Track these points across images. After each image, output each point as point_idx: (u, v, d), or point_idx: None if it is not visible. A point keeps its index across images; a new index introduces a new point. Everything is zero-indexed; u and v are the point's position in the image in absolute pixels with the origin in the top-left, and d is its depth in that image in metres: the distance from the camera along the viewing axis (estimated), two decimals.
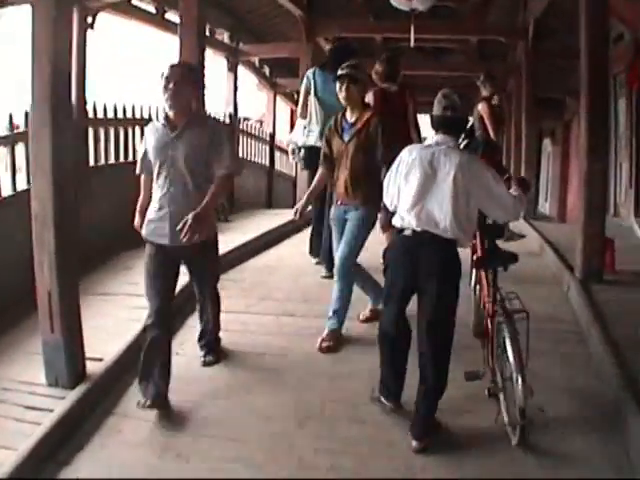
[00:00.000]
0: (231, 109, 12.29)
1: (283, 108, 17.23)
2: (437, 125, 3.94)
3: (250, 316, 5.62)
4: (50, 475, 3.45)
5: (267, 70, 14.58)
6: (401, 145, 4.15)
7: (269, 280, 6.67)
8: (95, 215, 7.00)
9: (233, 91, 12.35)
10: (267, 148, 14.55)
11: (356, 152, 4.95)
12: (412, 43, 8.95)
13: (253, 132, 13.72)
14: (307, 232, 7.50)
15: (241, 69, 13.23)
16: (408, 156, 3.90)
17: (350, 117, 5.07)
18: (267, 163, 14.55)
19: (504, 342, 3.65)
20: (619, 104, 10.00)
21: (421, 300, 3.75)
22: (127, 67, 20.46)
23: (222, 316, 4.86)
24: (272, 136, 14.68)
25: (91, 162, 7.76)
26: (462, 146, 4.68)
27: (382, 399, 4.03)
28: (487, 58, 14.65)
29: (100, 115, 7.93)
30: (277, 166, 14.90)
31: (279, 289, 6.32)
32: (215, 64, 12.19)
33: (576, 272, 6.08)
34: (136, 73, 19.52)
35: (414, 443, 3.64)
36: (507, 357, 3.58)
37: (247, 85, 15.22)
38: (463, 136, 4.39)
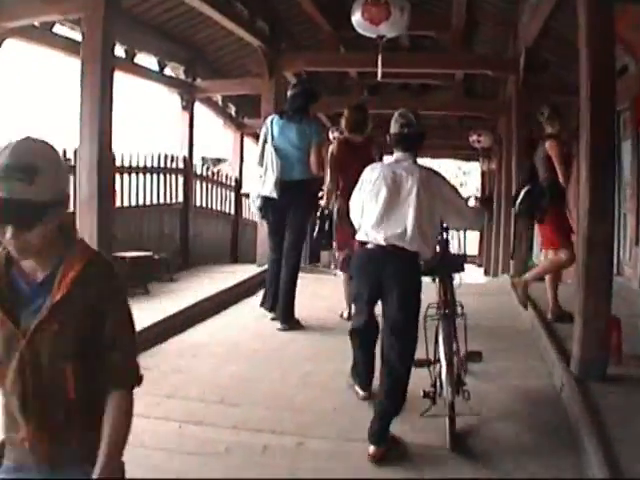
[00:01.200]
0: (186, 152, 11.15)
1: (253, 150, 16.04)
2: (395, 143, 4.22)
3: (147, 422, 4.32)
4: None
5: (232, 108, 13.47)
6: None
7: (188, 367, 5.46)
8: None
9: (188, 132, 11.26)
10: (232, 194, 13.40)
11: None
12: (379, 75, 7.85)
13: (214, 177, 12.59)
14: (258, 296, 7.28)
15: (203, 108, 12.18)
16: (370, 174, 4.21)
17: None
18: (232, 211, 13.41)
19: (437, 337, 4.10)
20: (622, 146, 8.77)
21: (385, 307, 4.03)
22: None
23: None
24: (238, 181, 13.50)
25: None
26: (523, 193, 6.27)
27: (356, 386, 4.66)
28: (475, 95, 13.60)
29: None
30: (247, 215, 13.69)
31: (195, 381, 5.09)
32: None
33: (572, 365, 4.77)
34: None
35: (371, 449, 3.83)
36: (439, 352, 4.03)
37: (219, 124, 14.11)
38: (523, 181, 5.73)
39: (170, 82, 10.80)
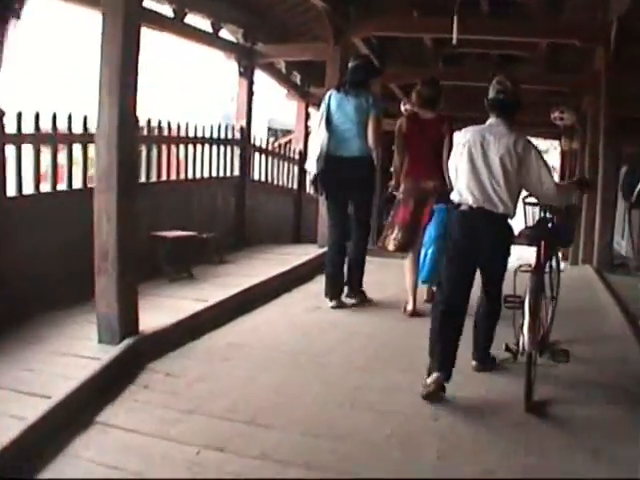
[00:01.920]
0: (243, 122, 10.47)
1: None
2: (490, 108, 4.51)
3: (159, 444, 3.70)
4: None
5: (297, 76, 12.72)
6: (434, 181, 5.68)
7: (217, 374, 4.79)
8: None
9: (246, 101, 10.56)
10: (296, 169, 12.68)
11: None
12: (454, 40, 7.02)
13: (275, 149, 11.87)
14: (315, 282, 7.24)
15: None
16: (463, 137, 4.48)
17: None
18: (295, 186, 12.71)
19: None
20: None
21: (481, 269, 4.48)
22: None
23: (123, 436, 3.75)
24: (302, 154, 12.69)
25: None
26: None
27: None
28: (559, 68, 12.49)
29: None
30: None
31: (222, 393, 4.41)
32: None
33: None
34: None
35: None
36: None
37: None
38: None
39: (226, 46, 10.11)
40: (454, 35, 7.12)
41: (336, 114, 6.40)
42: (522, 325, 4.17)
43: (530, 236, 4.57)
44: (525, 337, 4.11)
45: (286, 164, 12.42)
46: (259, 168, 11.30)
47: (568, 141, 16.69)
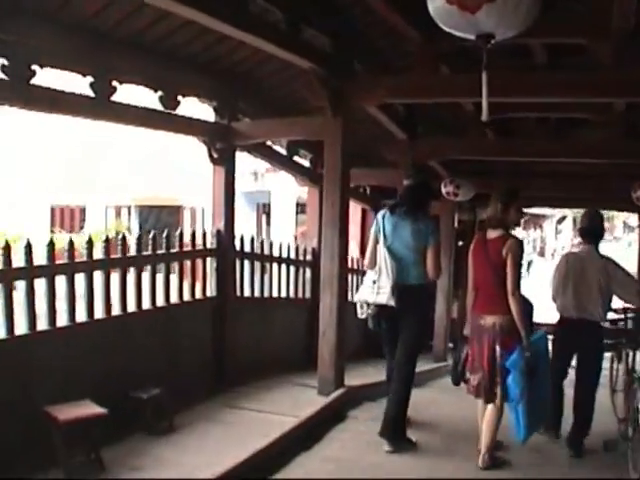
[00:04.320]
0: (221, 224, 8.16)
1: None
2: (581, 235, 6.48)
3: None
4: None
5: (306, 155, 10.39)
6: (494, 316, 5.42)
7: None
8: None
9: (224, 194, 8.19)
10: (308, 271, 10.30)
11: None
12: (484, 115, 4.64)
13: (269, 253, 9.56)
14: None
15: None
16: (565, 263, 6.36)
17: None
18: (308, 295, 10.35)
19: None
20: None
21: (578, 368, 6.24)
22: None
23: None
24: (315, 253, 10.33)
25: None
26: None
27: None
28: None
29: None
30: None
31: None
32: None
33: None
34: None
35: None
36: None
37: None
38: None
39: (193, 126, 7.78)
40: (484, 103, 4.63)
41: (391, 239, 6.08)
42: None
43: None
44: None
45: (293, 269, 10.06)
46: (251, 279, 8.94)
47: None
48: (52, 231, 21.83)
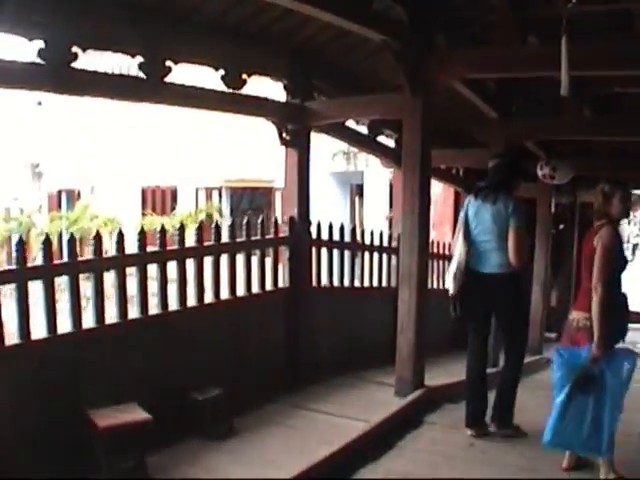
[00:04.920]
0: (294, 212, 7.75)
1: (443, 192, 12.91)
2: None
3: None
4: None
5: (393, 135, 9.85)
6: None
7: None
8: None
9: (298, 180, 7.77)
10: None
11: None
12: (564, 88, 4.13)
13: (350, 240, 9.07)
14: None
15: None
16: None
17: None
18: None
19: None
20: None
21: None
22: None
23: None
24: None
25: None
26: None
27: None
28: None
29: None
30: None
31: None
32: None
33: None
34: None
35: None
36: None
37: None
38: None
39: (263, 106, 7.38)
40: (563, 71, 4.05)
41: (473, 223, 5.91)
42: None
43: None
44: None
45: (377, 256, 9.60)
46: (329, 268, 8.54)
47: None
48: (143, 213, 21.99)
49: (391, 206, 14.01)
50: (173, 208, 21.26)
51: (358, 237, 9.28)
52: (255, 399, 6.61)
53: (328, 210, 16.97)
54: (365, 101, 7.67)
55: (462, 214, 6.06)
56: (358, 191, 17.78)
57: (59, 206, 25.81)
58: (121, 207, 22.24)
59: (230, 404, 6.10)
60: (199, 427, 5.89)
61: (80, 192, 24.88)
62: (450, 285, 6.03)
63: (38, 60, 5.16)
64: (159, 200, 22.55)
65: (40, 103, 25.61)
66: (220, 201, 20.09)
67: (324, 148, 12.09)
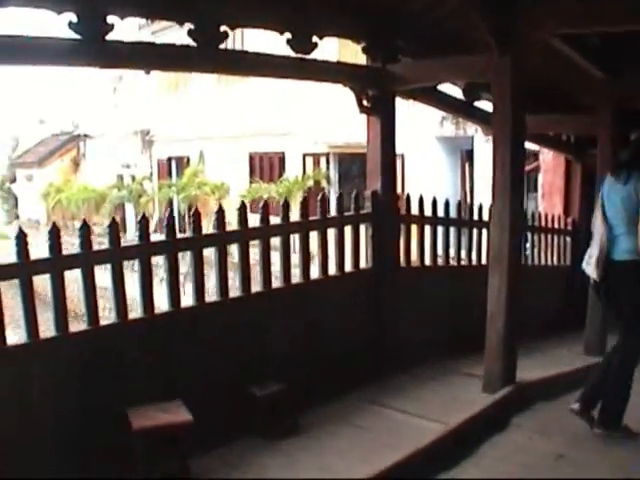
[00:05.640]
0: (377, 186, 7.23)
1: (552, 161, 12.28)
2: None
3: None
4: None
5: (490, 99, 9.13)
6: None
7: None
8: None
9: (381, 151, 7.23)
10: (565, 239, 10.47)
11: None
12: None
13: (444, 216, 8.46)
14: None
15: None
16: None
17: None
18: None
19: None
20: None
21: None
22: None
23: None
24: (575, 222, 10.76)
25: None
26: None
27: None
28: None
29: None
30: None
31: None
32: None
33: None
34: None
35: None
36: None
37: None
38: None
39: (334, 70, 6.87)
40: None
41: (607, 205, 5.46)
42: None
43: None
44: None
45: (476, 232, 9.00)
46: (420, 246, 8.03)
47: None
48: (251, 181, 21.94)
49: None
50: (280, 174, 21.06)
51: (463, 213, 8.75)
52: (326, 393, 6.17)
53: (434, 179, 16.34)
54: (448, 63, 6.96)
55: (600, 194, 5.60)
56: (468, 158, 16.97)
57: (169, 173, 26.24)
58: (229, 173, 22.29)
59: (295, 399, 5.72)
60: (256, 425, 5.54)
61: (189, 159, 25.08)
62: (592, 271, 5.53)
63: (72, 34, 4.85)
64: (267, 166, 22.40)
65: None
66: (328, 168, 19.67)
67: (430, 111, 11.40)
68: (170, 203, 24.44)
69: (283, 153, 21.51)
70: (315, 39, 6.34)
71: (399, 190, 17.62)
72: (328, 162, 19.70)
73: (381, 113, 7.18)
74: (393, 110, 7.30)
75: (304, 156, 20.79)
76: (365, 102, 7.12)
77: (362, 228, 7.26)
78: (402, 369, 7.02)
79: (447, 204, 8.37)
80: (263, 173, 22.30)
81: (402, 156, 17.49)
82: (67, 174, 33.64)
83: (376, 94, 7.11)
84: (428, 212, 8.04)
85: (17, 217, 35.88)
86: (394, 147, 7.38)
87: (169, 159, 26.60)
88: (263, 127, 20.34)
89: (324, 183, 19.46)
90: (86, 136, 33.45)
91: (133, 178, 27.70)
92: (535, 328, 8.49)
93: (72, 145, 34.65)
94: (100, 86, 30.18)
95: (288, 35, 6.16)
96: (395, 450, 4.92)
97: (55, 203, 30.03)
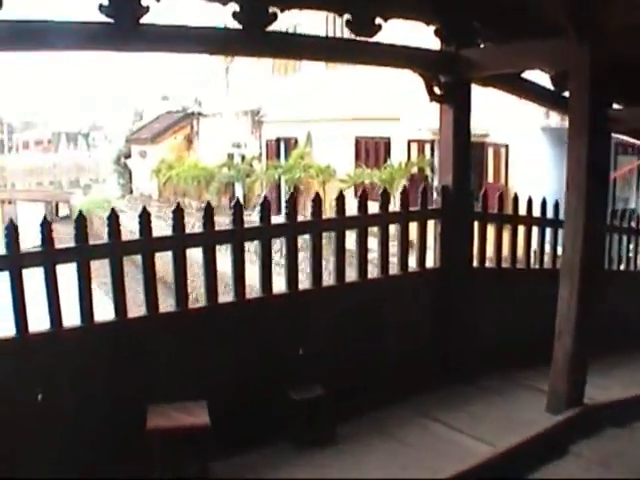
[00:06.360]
0: (449, 178, 6.83)
1: None
2: None
3: None
4: None
5: None
6: None
7: None
8: None
9: (453, 142, 6.81)
10: None
11: None
12: None
13: (526, 214, 7.94)
14: None
15: None
16: None
17: None
18: None
19: None
20: None
21: None
22: None
23: None
24: None
25: None
26: None
27: None
28: None
29: None
30: None
31: None
32: None
33: None
34: None
35: None
36: None
37: None
38: None
39: (403, 55, 6.48)
40: None
41: None
42: None
43: None
44: None
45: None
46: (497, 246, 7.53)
47: None
48: (357, 165, 21.67)
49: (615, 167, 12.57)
50: (385, 160, 20.70)
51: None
52: (375, 402, 5.86)
53: (538, 171, 15.64)
54: (527, 49, 6.39)
55: None
56: None
57: (277, 154, 26.26)
58: (336, 156, 22.12)
59: (337, 407, 5.42)
60: (290, 432, 5.29)
61: (297, 140, 25.03)
62: None
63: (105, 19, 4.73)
64: (372, 151, 22.10)
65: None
66: (432, 155, 19.13)
67: None
68: (277, 185, 24.52)
69: (389, 138, 21.14)
70: (379, 20, 5.96)
71: (502, 181, 17.24)
72: (433, 149, 19.14)
73: (455, 102, 6.75)
74: (468, 98, 6.86)
75: (409, 142, 20.35)
76: (437, 89, 6.69)
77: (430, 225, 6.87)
78: (468, 380, 6.57)
79: (556, 206, 7.91)
80: (369, 158, 22.01)
81: (506, 146, 16.85)
82: (180, 151, 34.28)
83: (449, 81, 6.68)
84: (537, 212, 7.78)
85: (131, 192, 36.83)
86: (469, 139, 6.96)
87: (277, 140, 26.66)
88: (370, 111, 20.01)
89: (428, 171, 18.93)
90: (200, 114, 33.93)
91: (243, 158, 27.90)
92: (622, 339, 7.85)
93: (186, 123, 35.27)
94: (214, 65, 30.43)
95: (348, 16, 5.82)
96: (435, 472, 4.59)
97: (166, 179, 30.76)
